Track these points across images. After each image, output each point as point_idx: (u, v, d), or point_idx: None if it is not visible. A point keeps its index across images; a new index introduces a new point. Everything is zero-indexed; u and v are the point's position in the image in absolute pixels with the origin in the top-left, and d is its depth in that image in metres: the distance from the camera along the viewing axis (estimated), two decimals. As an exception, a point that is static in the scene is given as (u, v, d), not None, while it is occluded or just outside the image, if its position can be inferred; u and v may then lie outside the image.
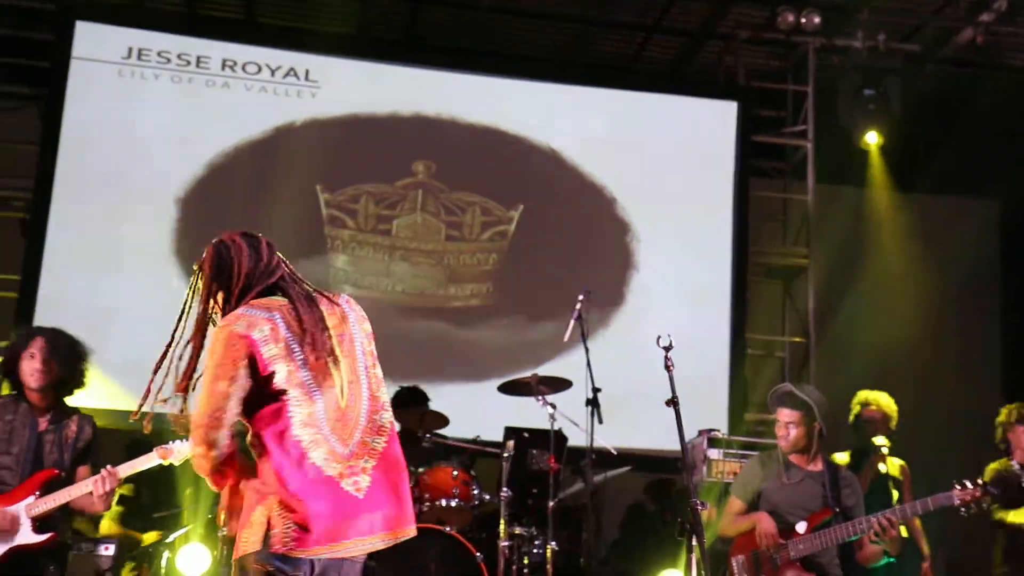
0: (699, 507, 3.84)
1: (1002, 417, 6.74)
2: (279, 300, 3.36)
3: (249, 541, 3.18)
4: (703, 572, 3.70)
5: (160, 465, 4.93)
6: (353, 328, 3.41)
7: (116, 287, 8.37)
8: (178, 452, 4.97)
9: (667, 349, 4.14)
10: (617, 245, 8.99)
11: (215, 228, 8.33)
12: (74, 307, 8.14)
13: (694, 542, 3.62)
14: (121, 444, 7.43)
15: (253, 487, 3.24)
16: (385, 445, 3.32)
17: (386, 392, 3.39)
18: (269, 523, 3.15)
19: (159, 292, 8.28)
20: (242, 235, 3.51)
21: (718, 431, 6.95)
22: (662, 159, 9.15)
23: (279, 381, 3.23)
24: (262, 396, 3.23)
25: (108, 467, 4.87)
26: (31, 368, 4.90)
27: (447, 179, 8.92)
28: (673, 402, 4.08)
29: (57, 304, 8.17)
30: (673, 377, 4.09)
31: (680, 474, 6.58)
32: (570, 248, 8.98)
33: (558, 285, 8.53)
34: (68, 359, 4.95)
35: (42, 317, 8.10)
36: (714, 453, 6.72)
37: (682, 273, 8.98)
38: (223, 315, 3.35)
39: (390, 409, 3.41)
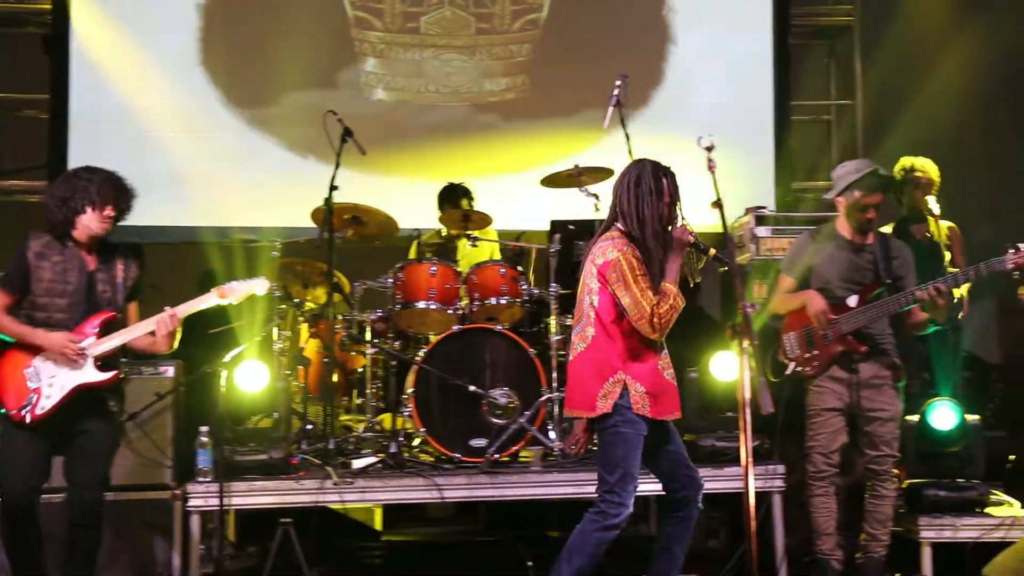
0: (748, 309, 3.79)
1: None
2: None
3: None
4: (757, 372, 3.68)
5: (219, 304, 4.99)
6: (585, 268, 4.54)
7: (147, 100, 8.25)
8: (235, 292, 4.99)
9: (709, 149, 3.99)
10: (652, 20, 8.67)
11: (240, 36, 8.27)
12: (107, 123, 8.11)
13: (745, 344, 3.59)
14: (194, 277, 7.55)
15: None
16: (582, 348, 4.47)
17: (590, 314, 4.46)
18: None
19: (190, 103, 8.22)
20: None
21: (764, 207, 6.85)
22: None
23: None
24: None
25: (168, 309, 4.86)
26: (100, 224, 4.81)
27: (472, -33, 8.58)
28: (718, 204, 3.97)
29: (89, 121, 8.12)
30: (716, 178, 3.96)
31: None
32: (605, 30, 8.66)
33: (595, 71, 8.28)
34: (128, 206, 4.88)
35: (76, 135, 8.10)
36: (762, 231, 6.65)
37: (722, 42, 8.69)
38: None
39: (587, 329, 4.48)
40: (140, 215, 5.00)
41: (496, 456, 5.86)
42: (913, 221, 6.65)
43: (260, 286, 5.06)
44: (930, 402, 6.05)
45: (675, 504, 4.60)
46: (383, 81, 8.48)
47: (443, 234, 7.06)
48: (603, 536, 4.39)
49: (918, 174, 6.64)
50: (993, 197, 8.62)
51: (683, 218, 4.56)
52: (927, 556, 5.73)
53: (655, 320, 4.32)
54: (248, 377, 5.88)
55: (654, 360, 4.45)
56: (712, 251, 4.53)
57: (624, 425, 4.38)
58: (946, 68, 8.92)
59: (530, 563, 5.65)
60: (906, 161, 6.71)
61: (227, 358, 5.58)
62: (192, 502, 5.49)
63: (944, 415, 5.97)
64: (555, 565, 4.45)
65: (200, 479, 5.54)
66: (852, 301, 5.41)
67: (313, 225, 6.55)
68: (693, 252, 4.52)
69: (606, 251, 4.42)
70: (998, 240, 5.41)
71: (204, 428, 5.61)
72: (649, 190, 4.44)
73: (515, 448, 5.98)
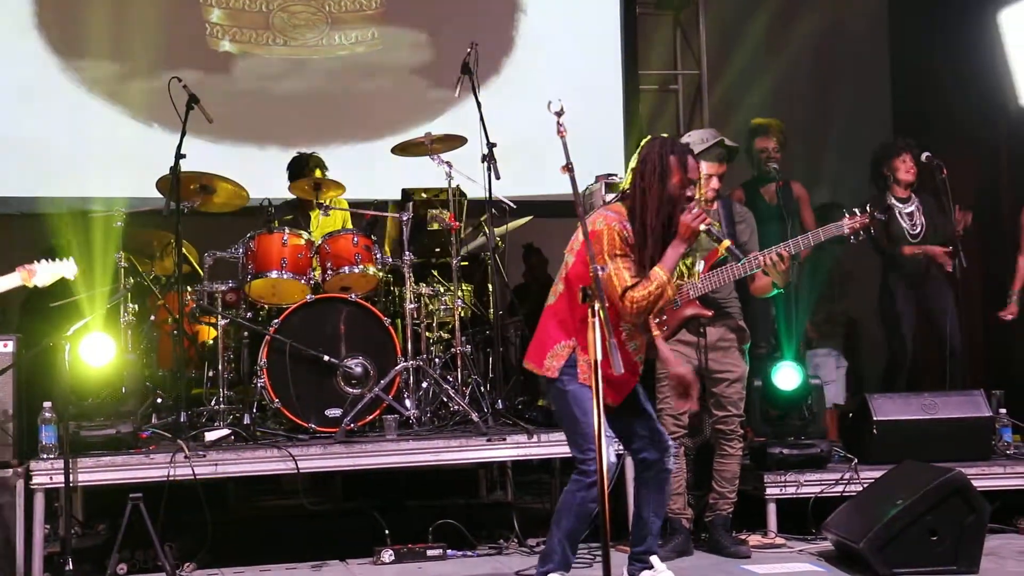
0: (600, 271, 3.86)
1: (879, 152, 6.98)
2: None
3: None
4: (608, 335, 3.74)
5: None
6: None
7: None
8: (42, 273, 4.90)
9: (559, 114, 4.02)
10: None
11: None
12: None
13: (596, 305, 3.64)
14: (38, 249, 7.28)
15: None
16: (551, 301, 4.46)
17: (563, 272, 4.45)
18: None
19: (24, 67, 7.88)
20: None
21: (615, 175, 6.94)
22: None
23: None
24: None
25: None
26: None
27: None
28: (568, 168, 4.02)
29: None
30: (566, 143, 4.00)
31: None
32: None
33: (445, 39, 8.25)
34: None
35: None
36: (612, 198, 6.71)
37: (570, 11, 8.76)
38: None
39: (558, 284, 4.47)
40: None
41: (352, 426, 5.83)
42: (762, 183, 6.87)
43: (69, 269, 5.03)
44: (774, 364, 6.26)
45: (638, 465, 4.65)
46: (229, 33, 8.26)
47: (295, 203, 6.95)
48: (587, 494, 4.32)
49: (765, 138, 6.90)
50: (828, 164, 8.95)
51: (699, 203, 4.48)
52: (772, 512, 5.93)
53: (626, 303, 4.21)
54: (94, 350, 5.72)
55: (614, 338, 4.09)
56: (727, 242, 4.46)
57: (571, 383, 4.34)
58: (788, 39, 9.23)
59: (387, 531, 5.64)
60: (754, 123, 6.94)
61: (70, 331, 5.40)
62: (36, 480, 5.30)
63: (787, 376, 6.19)
64: (549, 532, 4.45)
65: (44, 456, 5.36)
66: (698, 267, 5.53)
67: (159, 195, 6.38)
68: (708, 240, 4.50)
69: (596, 221, 4.31)
70: (834, 204, 5.65)
71: (48, 403, 5.43)
72: (652, 168, 4.30)
73: (370, 417, 5.97)
